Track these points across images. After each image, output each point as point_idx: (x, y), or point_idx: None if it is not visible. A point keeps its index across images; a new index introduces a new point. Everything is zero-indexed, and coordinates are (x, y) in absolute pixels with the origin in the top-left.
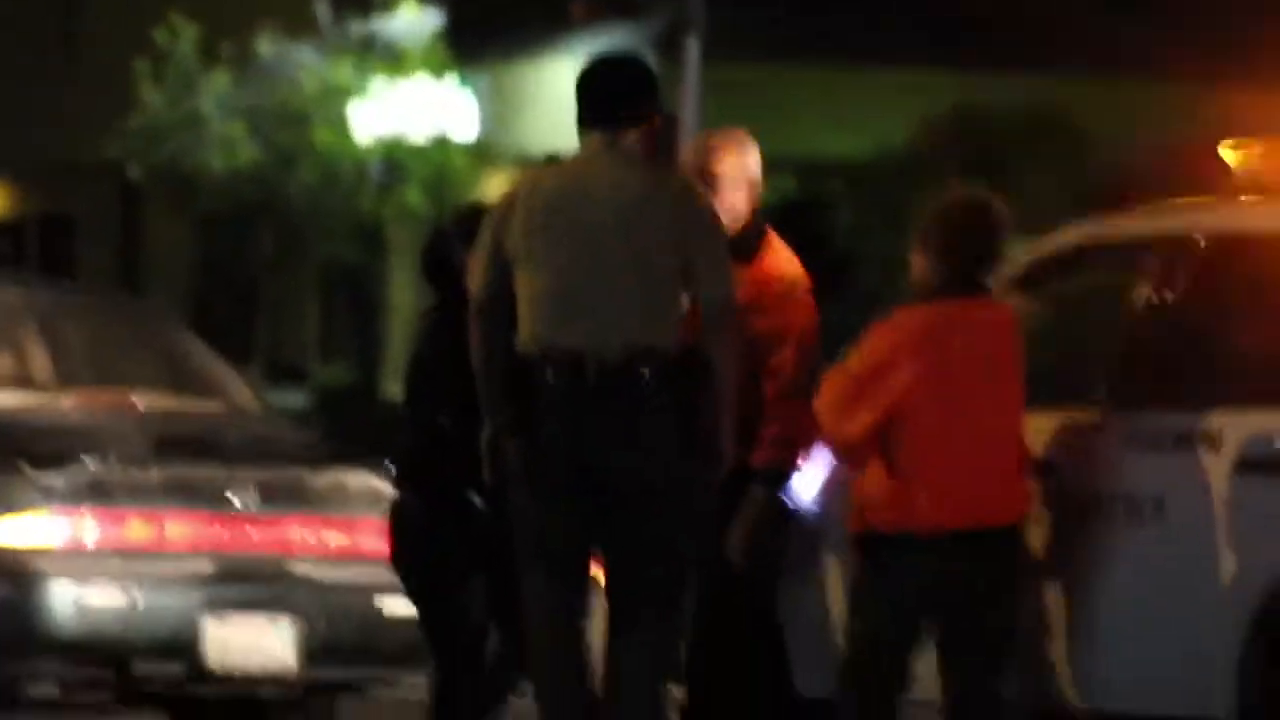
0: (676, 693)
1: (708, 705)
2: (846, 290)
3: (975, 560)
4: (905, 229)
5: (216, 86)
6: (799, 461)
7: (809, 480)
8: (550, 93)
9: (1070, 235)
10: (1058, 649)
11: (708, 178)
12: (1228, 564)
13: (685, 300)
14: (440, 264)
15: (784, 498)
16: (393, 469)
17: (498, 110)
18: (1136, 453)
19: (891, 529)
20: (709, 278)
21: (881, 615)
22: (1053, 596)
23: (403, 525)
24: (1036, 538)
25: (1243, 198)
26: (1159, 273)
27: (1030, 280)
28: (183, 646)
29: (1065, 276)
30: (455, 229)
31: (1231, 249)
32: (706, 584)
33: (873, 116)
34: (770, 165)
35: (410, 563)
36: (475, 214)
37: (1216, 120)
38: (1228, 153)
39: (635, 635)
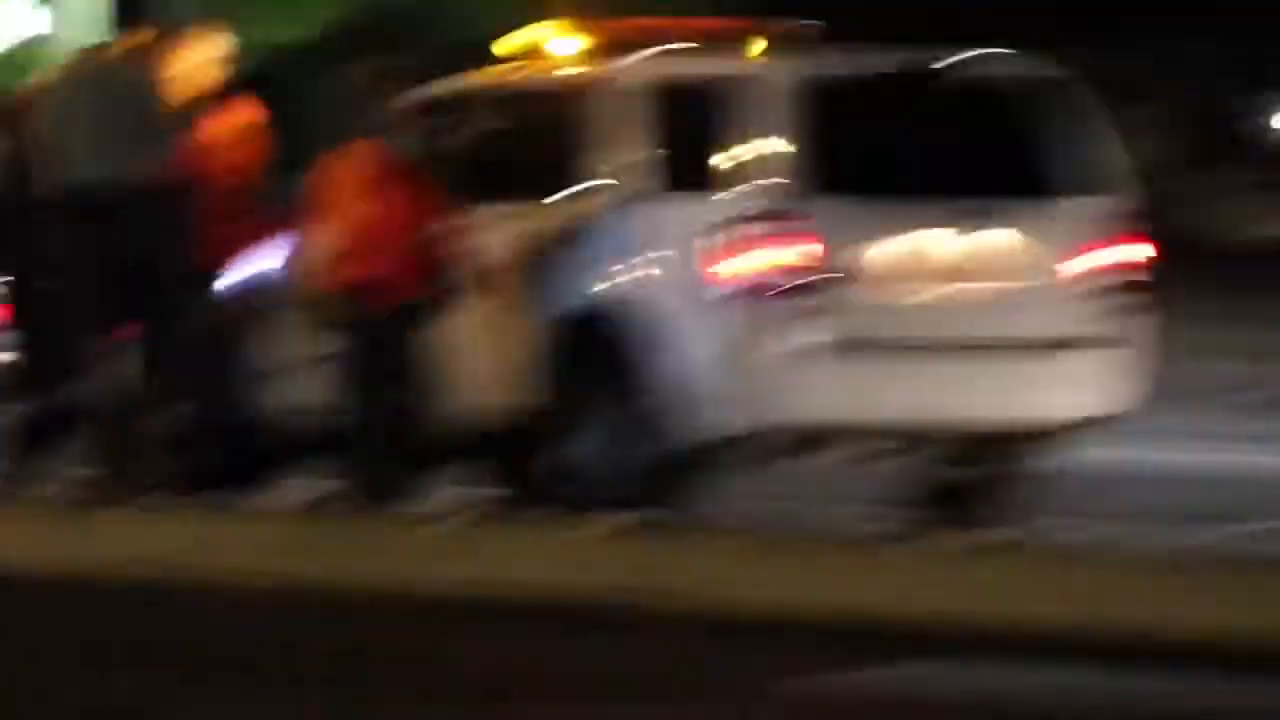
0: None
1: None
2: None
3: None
4: (333, 102)
5: None
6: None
7: (242, 270)
8: None
9: (422, 93)
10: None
11: (174, 65)
12: (545, 304)
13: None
14: None
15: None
16: None
17: None
18: (483, 233)
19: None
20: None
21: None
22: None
23: (14, 301)
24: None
25: (518, 65)
26: (462, 114)
27: (404, 126)
28: None
29: (425, 122)
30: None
31: (496, 100)
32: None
33: (308, 7)
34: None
35: (23, 326)
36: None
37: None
38: (521, 35)
39: (159, 374)
